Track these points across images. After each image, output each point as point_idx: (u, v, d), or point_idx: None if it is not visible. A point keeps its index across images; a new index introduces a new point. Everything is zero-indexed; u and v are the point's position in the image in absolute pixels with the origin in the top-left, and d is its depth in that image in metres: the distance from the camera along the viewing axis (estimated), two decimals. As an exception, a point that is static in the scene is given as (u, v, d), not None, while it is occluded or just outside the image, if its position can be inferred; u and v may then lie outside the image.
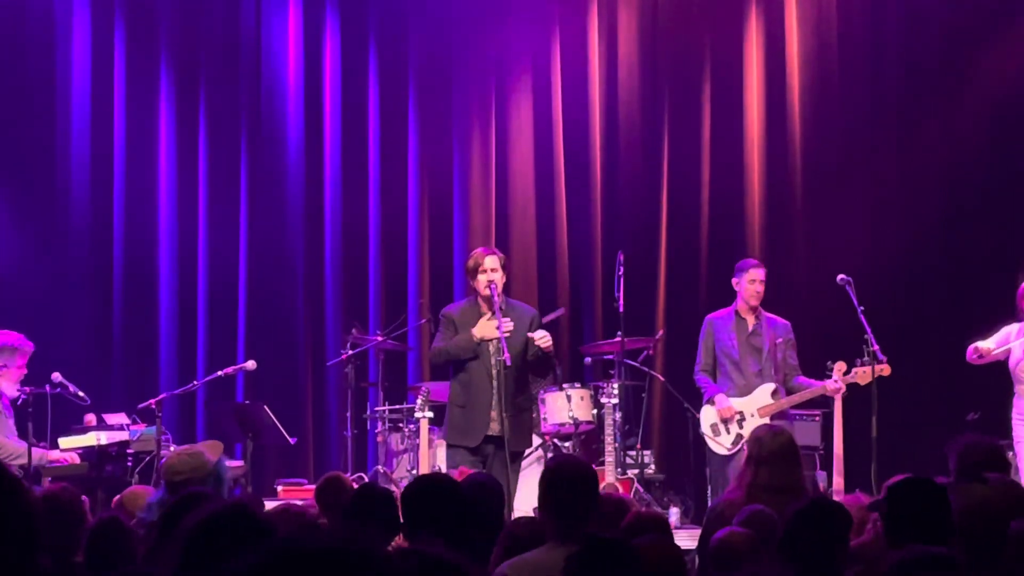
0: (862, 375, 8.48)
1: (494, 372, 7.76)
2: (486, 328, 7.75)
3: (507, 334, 7.62)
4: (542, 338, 7.69)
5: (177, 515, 3.79)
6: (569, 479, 4.36)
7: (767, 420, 8.62)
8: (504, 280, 7.82)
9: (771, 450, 5.62)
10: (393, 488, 9.14)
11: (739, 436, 8.66)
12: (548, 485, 4.40)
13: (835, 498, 6.62)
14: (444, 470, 8.66)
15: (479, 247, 8.50)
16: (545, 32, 11.60)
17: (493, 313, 7.73)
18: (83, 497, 5.16)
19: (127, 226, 11.16)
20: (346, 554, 1.68)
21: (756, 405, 8.77)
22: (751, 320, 8.96)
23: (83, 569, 4.37)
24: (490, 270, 7.72)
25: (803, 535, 4.10)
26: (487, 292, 7.72)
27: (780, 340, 8.87)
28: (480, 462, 7.68)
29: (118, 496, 5.61)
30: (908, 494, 4.18)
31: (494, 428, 7.72)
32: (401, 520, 4.50)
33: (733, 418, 8.80)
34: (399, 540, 4.35)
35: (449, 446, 7.95)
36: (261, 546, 1.77)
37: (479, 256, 7.82)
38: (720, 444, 8.88)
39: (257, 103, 11.43)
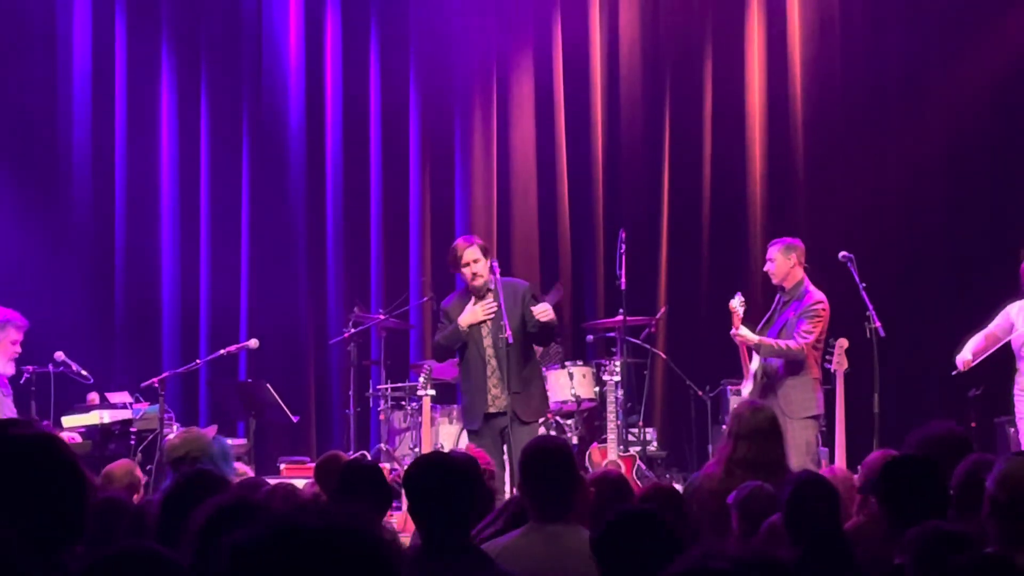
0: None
1: (488, 352, 7.80)
2: (470, 315, 7.80)
3: (490, 315, 7.71)
4: (543, 312, 7.70)
5: (181, 495, 3.81)
6: (543, 461, 4.30)
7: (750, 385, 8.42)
8: (488, 263, 7.80)
9: (750, 426, 5.57)
10: (396, 466, 9.19)
11: None
12: (523, 468, 4.35)
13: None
14: (446, 448, 8.69)
15: (460, 238, 8.32)
16: (546, 8, 11.58)
17: (478, 299, 7.81)
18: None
19: (129, 206, 11.15)
20: (335, 532, 1.69)
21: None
22: (783, 295, 8.81)
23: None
24: (472, 262, 7.76)
25: (800, 514, 4.08)
26: (478, 283, 7.77)
27: (794, 314, 8.73)
28: (490, 442, 7.65)
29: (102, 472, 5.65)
30: (905, 472, 4.17)
31: (497, 404, 7.73)
32: (391, 495, 4.47)
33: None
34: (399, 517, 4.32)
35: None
36: (255, 523, 1.78)
37: (460, 249, 7.84)
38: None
39: (258, 82, 11.41)
